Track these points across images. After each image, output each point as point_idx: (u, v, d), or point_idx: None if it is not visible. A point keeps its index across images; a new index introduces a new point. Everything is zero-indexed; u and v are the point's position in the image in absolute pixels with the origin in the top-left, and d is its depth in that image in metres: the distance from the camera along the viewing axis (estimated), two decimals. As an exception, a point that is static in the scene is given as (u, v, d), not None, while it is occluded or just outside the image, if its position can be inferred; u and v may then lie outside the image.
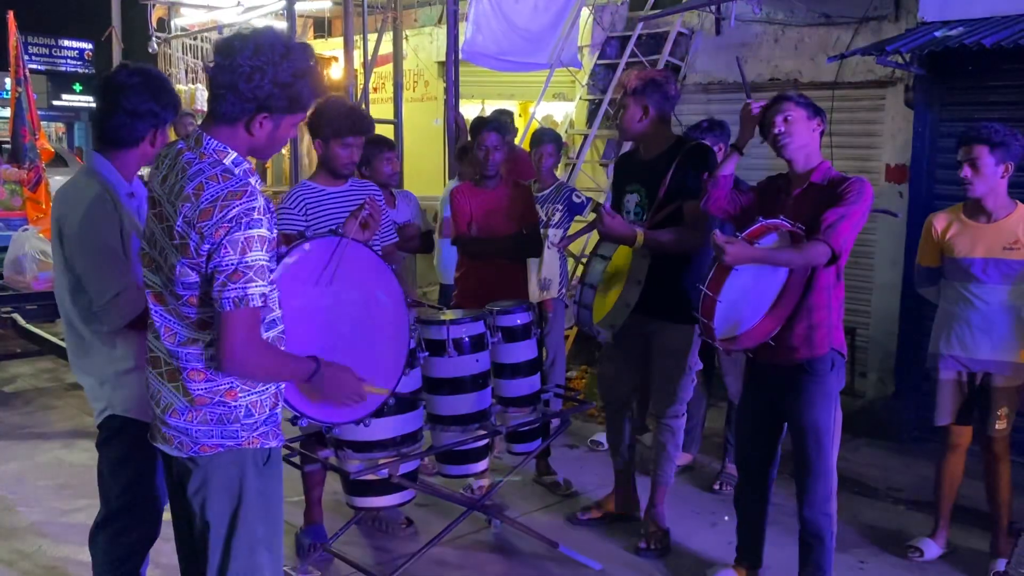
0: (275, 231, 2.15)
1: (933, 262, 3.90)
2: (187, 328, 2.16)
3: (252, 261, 2.05)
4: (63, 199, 2.74)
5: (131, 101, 2.65)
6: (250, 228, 2.03)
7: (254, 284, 2.06)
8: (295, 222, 3.53)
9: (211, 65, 2.11)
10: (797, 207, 3.16)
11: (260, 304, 2.08)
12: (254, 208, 2.04)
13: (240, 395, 2.20)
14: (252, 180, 2.11)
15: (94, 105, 2.85)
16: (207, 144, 2.12)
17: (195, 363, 2.18)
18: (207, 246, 2.03)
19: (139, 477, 2.75)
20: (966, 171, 3.64)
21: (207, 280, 2.08)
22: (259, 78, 2.07)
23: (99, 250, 2.60)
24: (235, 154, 2.13)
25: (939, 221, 3.87)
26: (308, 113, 3.50)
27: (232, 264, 2.03)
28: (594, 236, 3.92)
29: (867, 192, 3.10)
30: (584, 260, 5.15)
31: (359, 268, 2.73)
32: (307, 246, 2.60)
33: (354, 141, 3.59)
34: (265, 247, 2.07)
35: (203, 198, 2.03)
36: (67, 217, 2.66)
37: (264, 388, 2.25)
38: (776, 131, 3.18)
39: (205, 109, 9.63)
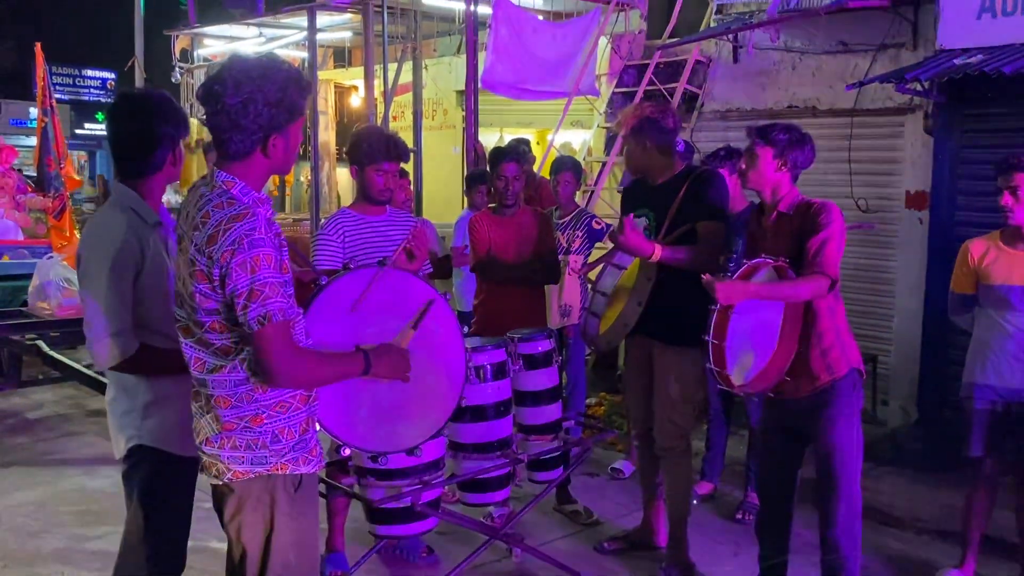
0: (284, 252, 2.21)
1: (968, 289, 3.86)
2: (211, 355, 2.22)
3: (264, 279, 2.10)
4: (89, 234, 2.74)
5: (147, 126, 2.65)
6: (253, 248, 2.09)
7: (272, 300, 2.11)
8: (333, 250, 3.61)
9: (205, 117, 2.18)
10: (774, 237, 3.25)
11: (284, 318, 2.13)
12: (254, 228, 2.10)
13: (266, 421, 2.23)
14: (259, 208, 2.16)
15: (107, 129, 2.83)
16: (217, 177, 2.20)
17: (220, 390, 2.22)
18: (217, 270, 2.10)
19: (164, 507, 2.75)
20: (1007, 199, 3.61)
21: (227, 306, 2.14)
22: (253, 108, 2.13)
23: (104, 288, 2.58)
24: (242, 184, 2.19)
25: (976, 248, 3.83)
26: (348, 144, 3.61)
27: (246, 285, 2.09)
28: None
29: (836, 212, 3.19)
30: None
31: (407, 296, 2.76)
32: (349, 276, 2.65)
33: (389, 167, 3.66)
34: (272, 265, 2.12)
35: (209, 224, 2.11)
36: (86, 253, 2.67)
37: (293, 413, 2.27)
38: (740, 169, 3.37)
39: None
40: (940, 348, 5.78)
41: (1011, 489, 3.89)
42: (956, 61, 5.22)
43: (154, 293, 2.64)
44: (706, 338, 3.02)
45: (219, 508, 2.36)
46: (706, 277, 3.01)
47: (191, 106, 11.65)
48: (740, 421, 4.99)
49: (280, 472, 2.26)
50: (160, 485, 2.69)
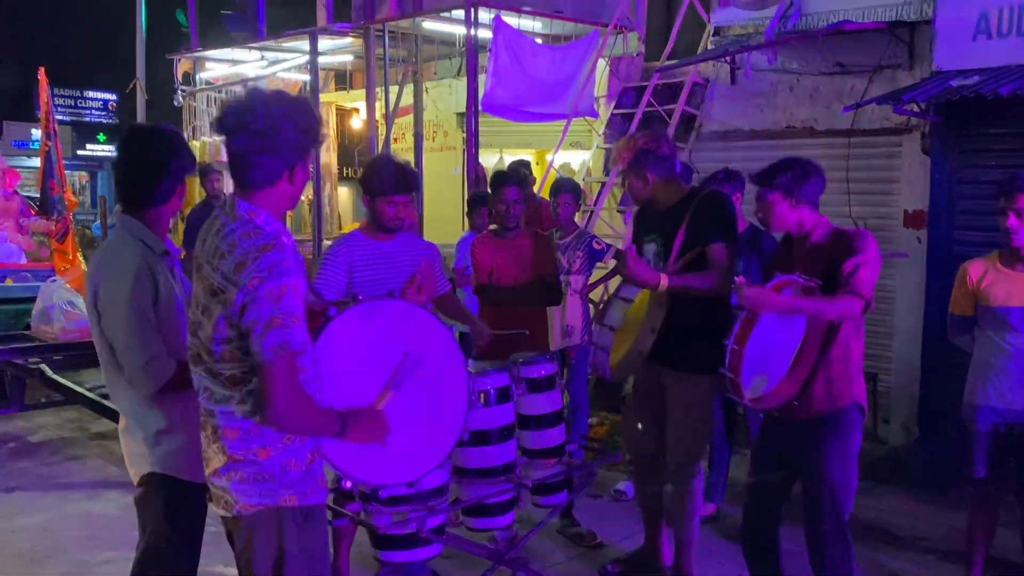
0: (304, 282, 2.23)
1: (967, 311, 3.87)
2: (221, 386, 2.23)
3: (287, 308, 2.12)
4: (101, 264, 2.78)
5: (162, 160, 2.71)
6: (283, 277, 2.12)
7: (291, 330, 2.12)
8: (337, 274, 3.67)
9: (231, 142, 2.19)
10: (805, 267, 3.23)
11: (300, 350, 2.14)
12: (284, 259, 2.14)
13: (273, 454, 2.24)
14: (283, 237, 2.20)
15: (117, 159, 2.88)
16: (239, 207, 2.22)
17: (229, 421, 2.23)
18: (241, 296, 2.11)
19: (176, 535, 2.76)
20: (1012, 220, 3.61)
21: (241, 335, 2.15)
22: (285, 133, 2.18)
23: (131, 318, 2.63)
24: (265, 214, 2.22)
25: (974, 269, 3.84)
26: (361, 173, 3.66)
27: (269, 313, 2.10)
28: (614, 280, 3.97)
29: (872, 239, 3.20)
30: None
31: (412, 327, 2.79)
32: (359, 308, 2.66)
33: (400, 199, 3.70)
34: (296, 295, 2.15)
35: (236, 253, 2.14)
36: (103, 283, 2.70)
37: (299, 446, 2.28)
38: (759, 216, 3.38)
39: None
40: (940, 366, 5.80)
41: (1015, 509, 3.90)
42: (952, 83, 5.27)
43: (167, 320, 2.68)
44: (726, 342, 3.03)
45: (230, 539, 2.38)
46: (739, 279, 3.03)
47: (193, 129, 11.74)
48: (743, 440, 5.00)
49: (289, 504, 2.27)
50: (172, 513, 2.72)
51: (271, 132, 2.16)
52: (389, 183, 3.66)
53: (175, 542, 2.77)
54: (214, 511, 2.40)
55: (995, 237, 5.20)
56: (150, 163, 2.71)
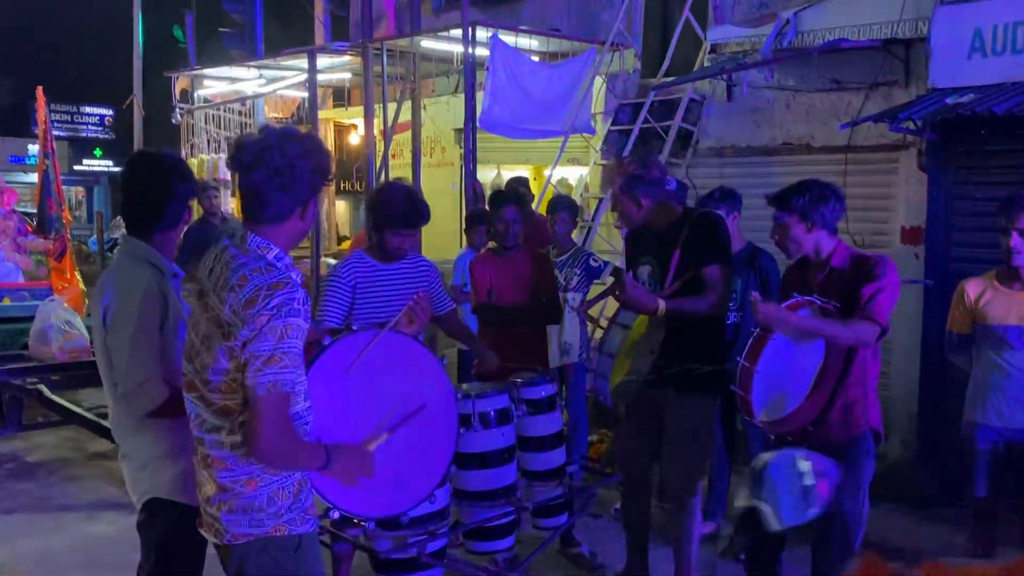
0: (308, 322, 2.23)
1: (965, 329, 3.86)
2: (212, 415, 2.24)
3: (288, 348, 2.14)
4: (112, 282, 2.78)
5: (172, 185, 2.76)
6: (290, 317, 2.14)
7: (288, 370, 2.14)
8: (342, 298, 3.69)
9: (248, 178, 2.22)
10: (824, 292, 3.19)
11: (291, 391, 2.16)
12: (295, 299, 2.16)
13: (261, 485, 2.25)
14: (293, 274, 2.22)
15: (117, 172, 2.92)
16: (251, 241, 2.25)
17: (218, 450, 2.25)
18: (246, 331, 2.12)
19: (179, 559, 2.76)
20: (1015, 240, 3.60)
21: (238, 367, 2.15)
22: (300, 171, 2.22)
23: (135, 336, 2.66)
24: (277, 250, 2.25)
25: (972, 288, 3.83)
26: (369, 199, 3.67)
27: (269, 349, 2.11)
28: (612, 300, 3.98)
29: (892, 265, 3.17)
30: (603, 323, 5.21)
31: (402, 359, 2.81)
32: (352, 338, 2.68)
33: (407, 232, 3.72)
34: (299, 336, 2.16)
35: (247, 288, 2.15)
36: (115, 299, 2.72)
37: (286, 476, 2.29)
38: (774, 240, 3.36)
39: (228, 178, 9.83)
40: (938, 383, 5.81)
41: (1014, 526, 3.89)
42: (948, 100, 5.30)
43: (173, 343, 2.70)
44: (738, 359, 3.03)
45: (224, 565, 2.39)
46: (753, 296, 3.04)
47: (191, 146, 11.75)
48: (743, 458, 4.99)
49: (278, 534, 2.27)
50: (175, 537, 2.71)
51: (288, 171, 2.20)
52: (398, 218, 3.69)
53: (177, 568, 2.77)
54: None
55: (993, 254, 5.23)
56: (157, 188, 2.76)
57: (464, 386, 3.75)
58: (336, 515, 2.82)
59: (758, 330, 3.04)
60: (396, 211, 3.67)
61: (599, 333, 5.15)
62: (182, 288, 2.84)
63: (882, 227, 6.36)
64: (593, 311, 5.69)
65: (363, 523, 3.12)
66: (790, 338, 3.08)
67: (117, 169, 24.33)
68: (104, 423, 5.76)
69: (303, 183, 2.24)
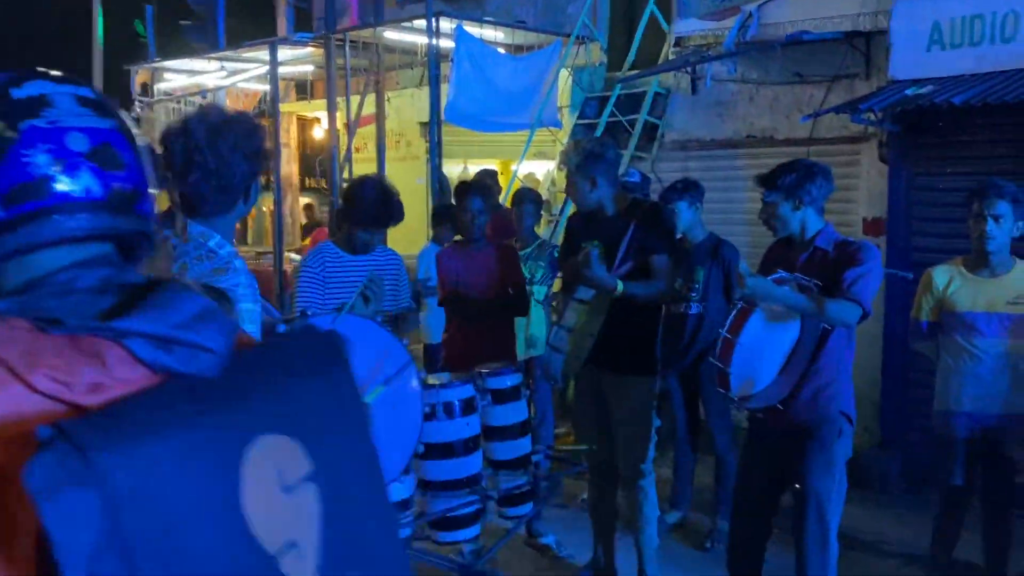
0: (259, 305, 2.17)
1: (931, 317, 3.85)
2: None
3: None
4: None
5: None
6: (236, 303, 2.07)
7: None
8: (314, 281, 3.67)
9: (182, 183, 2.12)
10: (805, 272, 3.19)
11: None
12: (239, 284, 2.09)
13: None
14: (236, 261, 2.15)
15: None
16: (191, 230, 2.18)
17: None
18: None
19: None
20: (990, 226, 3.60)
21: None
22: (236, 166, 2.12)
23: None
24: (218, 237, 2.18)
25: (940, 276, 3.83)
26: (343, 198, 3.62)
27: None
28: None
29: (876, 252, 3.18)
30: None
31: (361, 340, 2.72)
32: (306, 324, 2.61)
33: (376, 231, 3.73)
34: (255, 321, 2.10)
35: (186, 277, 2.07)
36: None
37: None
38: (761, 219, 3.38)
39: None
40: (900, 371, 5.89)
41: (981, 512, 3.91)
42: (908, 92, 5.36)
43: None
44: (720, 331, 3.04)
45: None
46: (740, 269, 3.04)
47: (152, 140, 11.55)
48: (707, 448, 5.02)
49: None
50: None
51: (223, 169, 2.10)
52: (370, 216, 3.67)
53: None
54: None
55: (953, 243, 5.32)
56: None
57: (429, 377, 3.71)
58: None
59: (741, 303, 3.04)
60: (369, 209, 3.66)
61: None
62: None
63: (844, 218, 6.41)
64: (558, 303, 5.68)
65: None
66: (767, 315, 3.09)
67: (77, 166, 23.84)
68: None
69: (240, 175, 2.15)
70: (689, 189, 4.71)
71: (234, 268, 2.10)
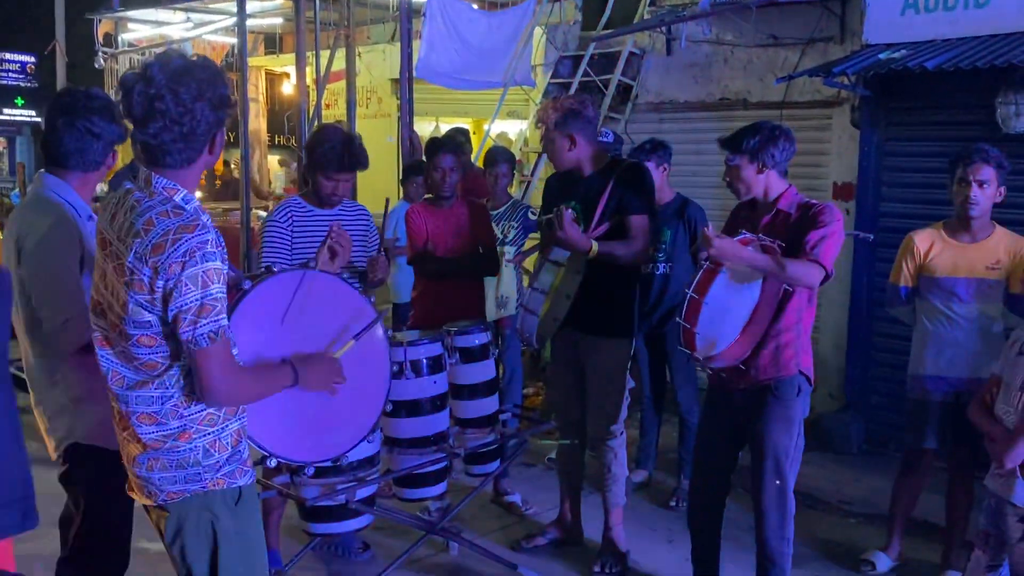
0: (227, 264, 2.11)
1: (909, 281, 3.86)
2: (135, 371, 2.11)
3: (215, 293, 2.02)
4: (23, 219, 2.68)
5: (98, 125, 2.66)
6: (206, 261, 2.00)
7: (222, 316, 2.04)
8: (282, 241, 3.57)
9: (142, 132, 2.04)
10: (768, 233, 3.18)
11: (229, 335, 2.08)
12: (207, 241, 2.01)
13: (195, 436, 2.14)
14: (203, 216, 2.08)
15: (40, 121, 2.83)
16: (156, 183, 2.08)
17: (144, 407, 2.12)
18: (161, 282, 1.98)
19: (110, 507, 2.68)
20: (975, 191, 3.60)
21: (165, 322, 2.03)
22: (200, 114, 2.04)
23: (55, 274, 2.57)
24: (185, 191, 2.09)
25: (921, 240, 3.82)
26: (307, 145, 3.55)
27: (197, 300, 1.99)
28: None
29: (838, 214, 3.19)
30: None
31: (330, 299, 2.71)
32: (273, 280, 2.57)
33: (340, 176, 3.58)
34: (221, 280, 2.05)
35: (153, 233, 1.99)
36: (27, 238, 2.60)
37: (222, 425, 2.18)
38: (726, 181, 3.35)
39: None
40: (865, 336, 5.95)
41: (948, 474, 3.97)
42: (881, 56, 5.35)
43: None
44: (687, 291, 3.03)
45: (158, 528, 2.26)
46: (706, 230, 3.00)
47: (115, 92, 11.30)
48: (672, 408, 5.06)
49: (217, 487, 2.17)
50: (104, 485, 2.61)
51: (186, 117, 2.01)
52: (332, 160, 3.53)
53: (111, 516, 2.70)
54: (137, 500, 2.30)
55: (921, 209, 5.37)
56: (84, 128, 2.64)
57: (397, 335, 3.69)
58: (273, 463, 2.76)
59: (707, 263, 3.04)
60: (331, 153, 3.53)
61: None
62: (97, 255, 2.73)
63: (814, 183, 6.43)
64: (529, 263, 5.65)
65: (293, 469, 3.07)
66: (731, 276, 3.09)
67: (40, 119, 23.33)
68: (22, 375, 5.57)
69: (204, 123, 2.06)
70: (656, 149, 4.69)
71: (202, 225, 2.03)
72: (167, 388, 2.10)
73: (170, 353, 2.08)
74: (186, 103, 2.01)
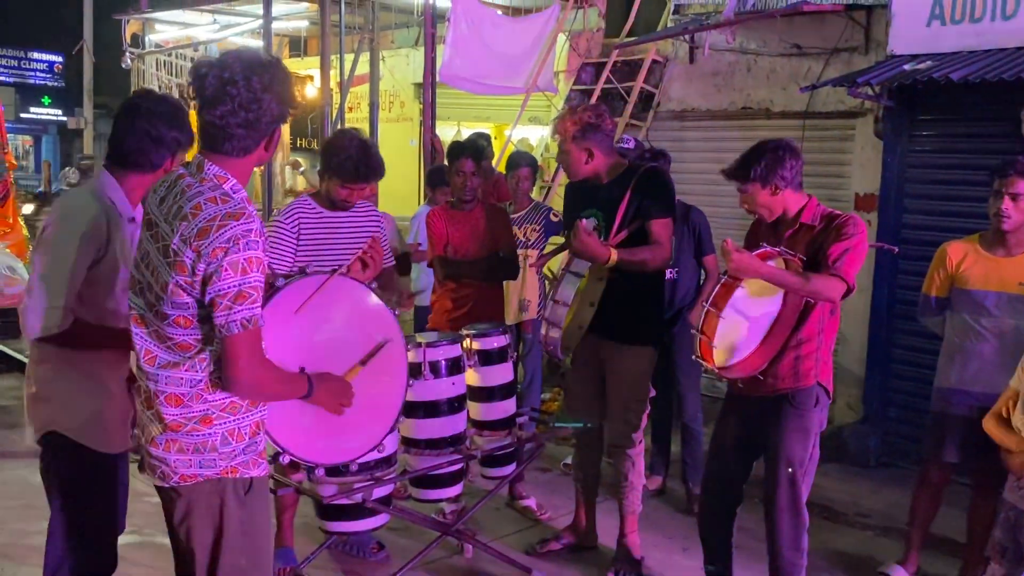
0: (267, 257, 2.16)
1: (942, 292, 3.83)
2: (167, 351, 2.16)
3: (253, 282, 2.07)
4: (60, 207, 2.71)
5: (158, 128, 2.68)
6: (248, 249, 2.05)
7: (257, 304, 2.10)
8: (285, 245, 3.54)
9: (210, 111, 2.11)
10: (790, 246, 3.16)
11: (262, 324, 2.12)
12: (251, 230, 2.06)
13: (216, 422, 2.18)
14: (250, 207, 2.14)
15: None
16: (208, 170, 2.14)
17: (172, 387, 2.16)
18: (203, 266, 2.04)
19: (88, 507, 2.66)
20: (1007, 204, 3.57)
21: (202, 305, 2.08)
22: (267, 104, 2.12)
23: (56, 260, 2.57)
24: (234, 180, 2.15)
25: (955, 252, 3.79)
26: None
27: (235, 286, 2.05)
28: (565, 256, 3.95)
29: (862, 226, 3.15)
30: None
31: (353, 305, 2.79)
32: (305, 281, 2.64)
33: (355, 186, 3.56)
34: (260, 270, 2.10)
35: (200, 217, 2.05)
36: (52, 228, 2.63)
37: (243, 416, 2.22)
38: (744, 208, 3.32)
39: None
40: (885, 348, 5.91)
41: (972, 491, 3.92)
42: (906, 67, 5.32)
43: (105, 285, 2.62)
44: (704, 303, 3.02)
45: (167, 509, 2.30)
46: (725, 243, 2.98)
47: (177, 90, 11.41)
48: (676, 414, 5.03)
49: (230, 476, 2.21)
50: (82, 481, 2.62)
51: (253, 105, 2.09)
52: (348, 170, 3.50)
53: (89, 515, 2.67)
54: (149, 481, 2.32)
55: (944, 221, 5.33)
56: (144, 130, 2.67)
57: (416, 336, 3.70)
58: (286, 460, 2.78)
59: (725, 276, 3.03)
60: (348, 163, 3.50)
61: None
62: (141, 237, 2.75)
63: (836, 194, 6.40)
64: (552, 264, 5.66)
65: (309, 467, 3.09)
66: (751, 288, 3.08)
67: (66, 118, 23.58)
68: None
69: (268, 116, 2.13)
70: (656, 159, 4.69)
71: (248, 214, 2.08)
72: (196, 371, 2.15)
73: (203, 336, 2.13)
74: (256, 91, 2.09)
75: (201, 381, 2.15)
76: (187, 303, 2.09)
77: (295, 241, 3.58)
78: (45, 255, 2.60)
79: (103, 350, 2.62)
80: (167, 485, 2.22)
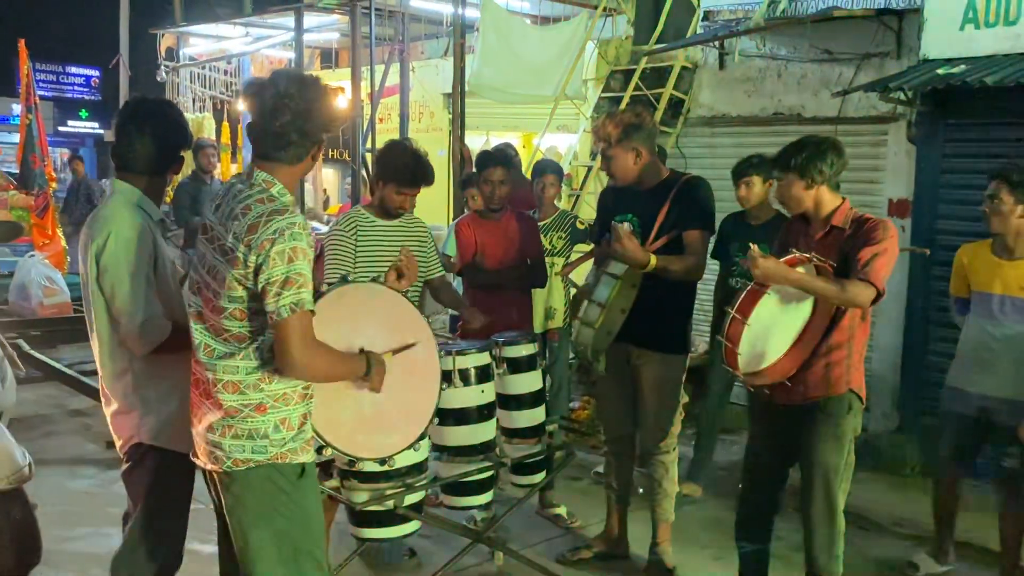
0: (312, 249, 2.33)
1: (963, 293, 3.96)
2: (224, 343, 2.34)
3: (300, 269, 2.25)
4: (102, 225, 2.76)
5: (170, 133, 2.81)
6: (293, 240, 2.24)
7: (305, 290, 2.26)
8: (345, 243, 3.76)
9: (269, 120, 2.30)
10: (821, 250, 3.13)
11: (311, 308, 2.28)
12: (295, 224, 2.27)
13: (270, 411, 2.35)
14: (296, 208, 2.34)
15: (103, 133, 2.96)
16: (256, 176, 2.36)
17: (230, 375, 2.34)
18: (254, 258, 2.23)
19: (168, 506, 2.78)
20: (986, 206, 3.72)
21: (254, 296, 2.27)
22: (317, 118, 2.33)
23: (133, 276, 2.67)
24: (280, 185, 2.36)
25: (964, 253, 3.95)
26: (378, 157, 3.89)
27: (283, 273, 2.23)
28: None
29: (893, 230, 3.13)
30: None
31: (389, 312, 2.91)
32: (344, 288, 2.77)
33: (410, 191, 3.78)
34: (306, 260, 2.27)
35: (250, 216, 2.27)
36: (110, 239, 2.69)
37: (295, 407, 2.39)
38: (779, 198, 3.37)
39: (213, 138, 9.80)
40: (920, 355, 5.83)
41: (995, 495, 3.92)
42: (939, 71, 5.27)
43: (161, 286, 2.74)
44: (729, 310, 3.02)
45: (217, 495, 2.44)
46: (752, 250, 2.97)
47: (177, 104, 11.61)
48: (729, 427, 5.02)
49: (281, 461, 2.36)
50: (162, 483, 2.75)
51: (307, 114, 2.31)
52: (405, 175, 3.73)
53: (169, 513, 2.80)
54: (200, 465, 2.47)
55: (978, 227, 5.20)
56: (153, 134, 2.78)
57: (446, 343, 3.72)
58: (326, 453, 2.84)
59: (752, 283, 3.02)
60: (404, 169, 3.73)
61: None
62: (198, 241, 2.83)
63: (869, 199, 6.34)
64: (579, 273, 5.65)
65: (340, 471, 3.13)
66: (779, 295, 3.06)
67: (103, 132, 24.02)
68: (84, 379, 5.74)
69: (319, 126, 2.34)
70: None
71: (292, 212, 2.28)
72: (251, 361, 2.32)
73: (256, 328, 2.32)
74: (310, 102, 2.32)
75: (256, 371, 2.33)
76: (242, 296, 2.28)
77: (355, 248, 3.78)
78: (119, 272, 2.66)
79: (181, 351, 2.69)
80: (220, 469, 2.36)
